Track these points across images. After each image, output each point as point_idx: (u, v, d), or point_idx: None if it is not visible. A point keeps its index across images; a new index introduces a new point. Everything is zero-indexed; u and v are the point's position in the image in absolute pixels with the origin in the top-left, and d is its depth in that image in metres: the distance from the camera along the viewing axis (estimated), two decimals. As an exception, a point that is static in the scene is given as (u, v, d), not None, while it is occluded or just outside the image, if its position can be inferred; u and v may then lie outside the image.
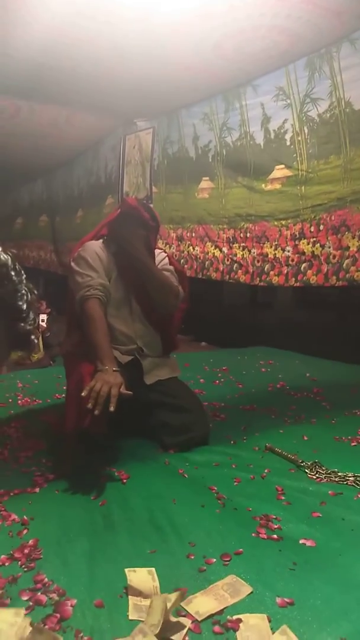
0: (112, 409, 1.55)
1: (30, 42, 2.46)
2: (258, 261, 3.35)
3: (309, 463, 1.76)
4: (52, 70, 2.87)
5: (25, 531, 1.34)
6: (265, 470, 1.72)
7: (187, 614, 1.04)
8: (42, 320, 4.07)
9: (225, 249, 3.59)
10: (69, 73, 2.92)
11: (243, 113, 3.26)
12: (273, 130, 3.10)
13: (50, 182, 5.97)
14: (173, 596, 0.99)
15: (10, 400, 2.53)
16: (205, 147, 3.61)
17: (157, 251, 2.11)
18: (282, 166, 3.09)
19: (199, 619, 1.02)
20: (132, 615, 1.04)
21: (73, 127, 4.07)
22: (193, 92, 3.34)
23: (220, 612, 1.05)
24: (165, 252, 2.17)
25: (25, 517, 1.40)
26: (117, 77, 3.00)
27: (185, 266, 3.83)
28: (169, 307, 2.01)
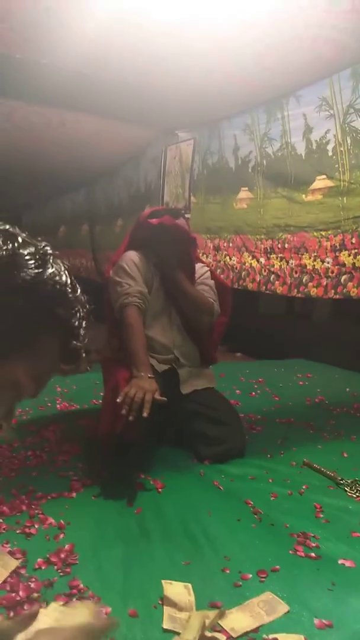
0: (145, 414, 1.56)
1: (77, 53, 2.51)
2: (296, 272, 3.30)
3: (348, 481, 1.71)
4: (96, 81, 2.93)
5: (61, 535, 1.36)
6: (303, 486, 1.68)
7: (222, 630, 1.02)
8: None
9: (262, 260, 3.56)
10: (113, 84, 2.98)
11: (285, 124, 3.24)
12: (315, 141, 3.07)
13: (92, 192, 6.09)
14: (212, 614, 0.97)
15: (49, 404, 2.57)
16: (245, 158, 3.61)
17: (199, 265, 2.11)
18: (324, 177, 3.04)
19: (234, 636, 1.01)
20: (166, 624, 1.03)
21: (116, 137, 4.14)
22: (235, 103, 3.34)
23: (256, 629, 1.03)
24: (208, 267, 2.17)
25: (62, 521, 1.42)
26: (159, 88, 3.04)
27: (222, 276, 3.81)
28: (203, 324, 2.01)
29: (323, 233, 3.10)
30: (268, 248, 3.52)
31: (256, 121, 3.44)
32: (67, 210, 6.99)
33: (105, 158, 4.81)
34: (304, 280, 3.25)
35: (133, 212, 4.90)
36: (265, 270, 3.54)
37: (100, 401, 2.25)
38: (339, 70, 2.79)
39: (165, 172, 4.37)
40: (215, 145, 3.84)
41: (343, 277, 3.01)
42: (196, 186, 4.10)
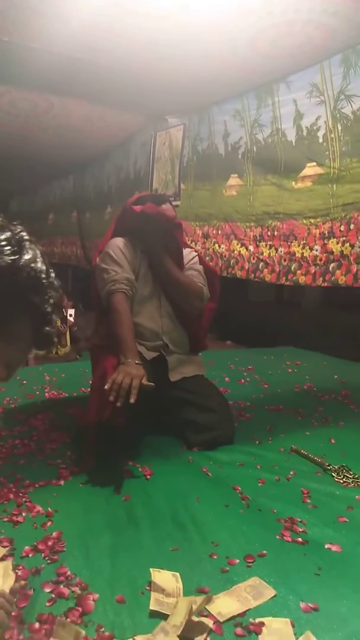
0: (132, 400, 1.55)
1: (68, 37, 2.45)
2: (285, 260, 3.29)
3: (336, 467, 1.72)
4: (88, 66, 2.87)
5: (49, 523, 1.35)
6: (291, 472, 1.69)
7: (209, 615, 1.03)
8: (70, 315, 4.13)
9: (251, 247, 3.55)
10: (105, 68, 2.92)
11: (275, 110, 3.21)
12: (305, 127, 3.04)
13: (81, 178, 6.02)
14: (199, 599, 0.98)
15: (37, 392, 2.56)
16: (235, 144, 3.57)
17: (187, 250, 2.10)
18: (314, 164, 3.03)
19: (221, 620, 1.01)
20: (153, 606, 1.03)
21: (106, 123, 4.08)
22: (225, 88, 3.30)
23: (243, 614, 1.03)
24: (196, 252, 2.16)
25: (49, 509, 1.41)
26: (151, 73, 2.99)
27: (211, 264, 3.80)
28: (192, 309, 2.01)
29: (312, 220, 3.09)
30: (257, 235, 3.50)
31: (246, 107, 3.41)
32: (56, 197, 6.91)
33: (95, 144, 4.75)
34: (292, 268, 3.25)
35: (122, 199, 4.84)
36: (254, 258, 3.53)
37: (89, 389, 2.24)
38: (329, 56, 2.77)
39: (154, 158, 4.33)
40: (205, 131, 3.80)
41: (331, 265, 3.01)
42: (185, 173, 4.07)
